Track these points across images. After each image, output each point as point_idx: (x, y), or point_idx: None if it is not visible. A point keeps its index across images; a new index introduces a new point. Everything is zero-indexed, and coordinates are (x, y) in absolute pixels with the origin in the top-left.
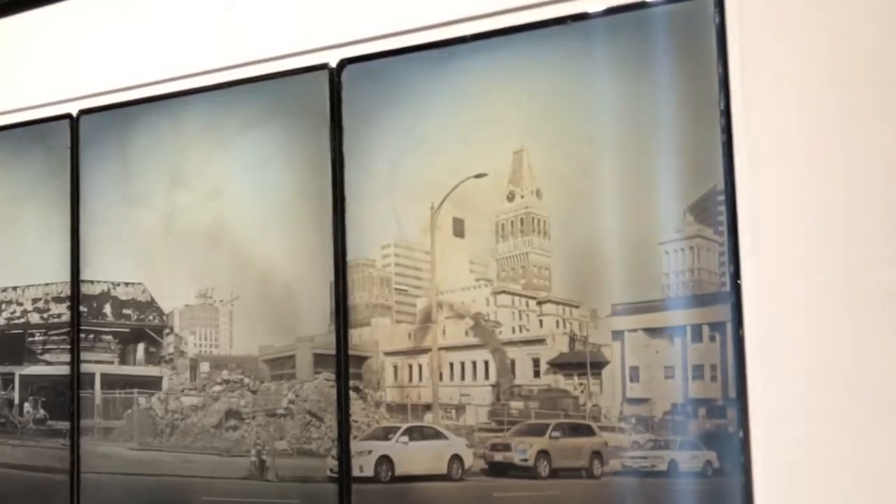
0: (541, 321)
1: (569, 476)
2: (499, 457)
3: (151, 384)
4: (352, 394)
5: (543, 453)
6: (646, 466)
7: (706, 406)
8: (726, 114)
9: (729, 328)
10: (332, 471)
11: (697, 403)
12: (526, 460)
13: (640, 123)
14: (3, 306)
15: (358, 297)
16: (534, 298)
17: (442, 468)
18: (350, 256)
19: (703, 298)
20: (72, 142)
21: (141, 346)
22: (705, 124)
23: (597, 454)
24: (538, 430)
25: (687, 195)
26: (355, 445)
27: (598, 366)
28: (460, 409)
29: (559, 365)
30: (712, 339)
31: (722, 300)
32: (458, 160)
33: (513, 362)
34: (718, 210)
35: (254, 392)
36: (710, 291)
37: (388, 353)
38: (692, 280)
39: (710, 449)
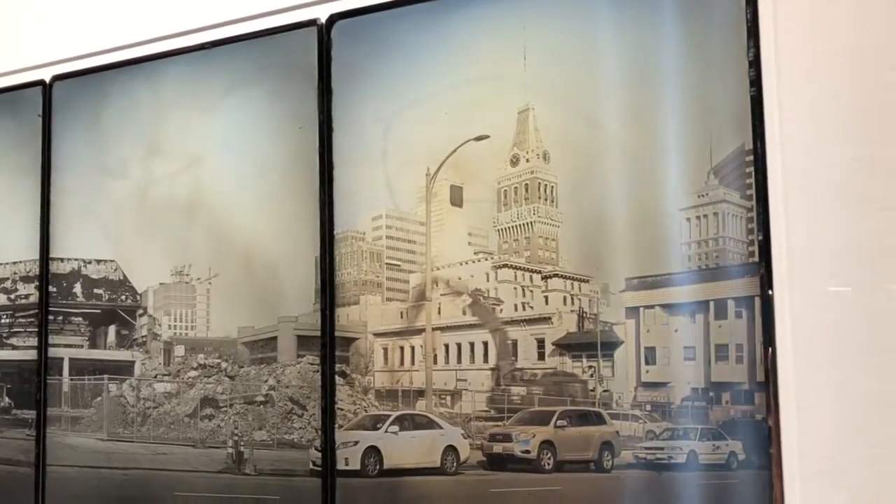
0: (546, 297)
1: (576, 469)
2: (498, 448)
3: (123, 369)
4: (337, 379)
5: (547, 444)
6: (662, 458)
7: (731, 391)
8: (756, 65)
9: (757, 303)
10: (315, 463)
11: (721, 388)
12: (528, 452)
13: (659, 77)
14: None
15: (346, 273)
16: (539, 272)
17: (435, 461)
18: (338, 229)
19: (729, 270)
20: (44, 110)
21: (112, 329)
22: (732, 77)
23: (607, 445)
24: (542, 419)
25: (711, 156)
26: (340, 436)
27: (609, 346)
28: (456, 395)
29: (566, 346)
30: (738, 315)
31: (750, 272)
32: (457, 122)
33: (514, 343)
34: (746, 172)
35: (232, 378)
36: (736, 262)
37: (377, 335)
38: (716, 250)
39: (734, 438)
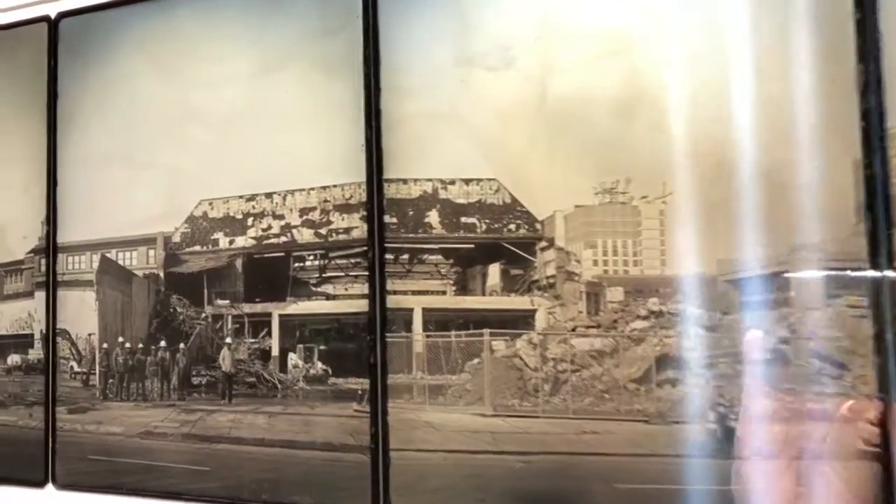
0: None
1: None
2: None
3: (515, 322)
4: None
5: None
6: None
7: None
8: None
9: None
10: (867, 442)
11: None
12: None
13: None
14: (251, 221)
15: None
16: None
17: None
18: (893, 121)
19: None
20: None
21: (495, 269)
22: None
23: None
24: None
25: None
26: None
27: None
28: None
29: None
30: None
31: None
32: None
33: None
34: None
35: (710, 329)
36: None
37: None
38: None
39: None
